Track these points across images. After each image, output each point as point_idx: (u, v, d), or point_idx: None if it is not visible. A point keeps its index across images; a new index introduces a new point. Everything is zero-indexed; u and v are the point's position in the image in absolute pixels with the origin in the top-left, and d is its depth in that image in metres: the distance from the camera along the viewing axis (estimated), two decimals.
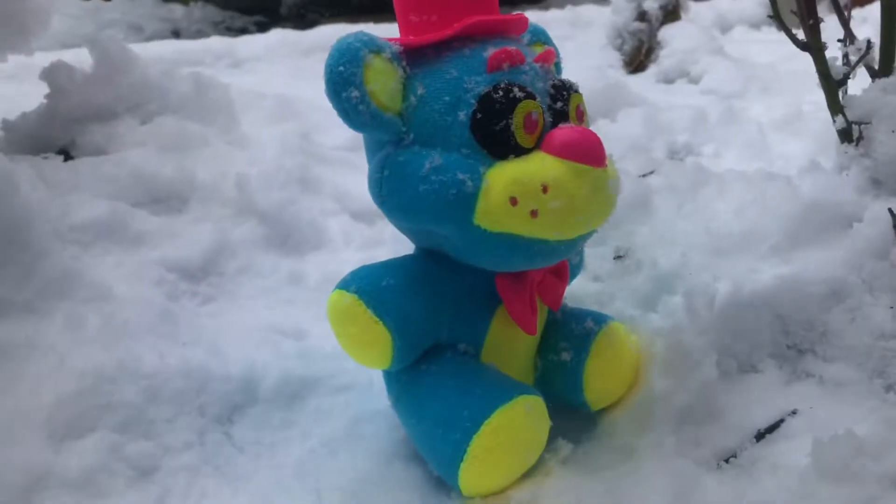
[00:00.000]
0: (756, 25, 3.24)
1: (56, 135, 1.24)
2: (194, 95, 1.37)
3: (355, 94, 0.61)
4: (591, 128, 0.68)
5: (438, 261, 0.69)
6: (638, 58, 2.63)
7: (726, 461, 0.70)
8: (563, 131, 0.63)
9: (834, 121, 0.96)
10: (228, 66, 2.66)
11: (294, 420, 0.79)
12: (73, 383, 0.73)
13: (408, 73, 0.64)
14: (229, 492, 0.71)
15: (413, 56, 0.65)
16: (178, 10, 5.09)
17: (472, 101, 0.62)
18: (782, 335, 0.83)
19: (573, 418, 0.76)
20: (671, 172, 1.10)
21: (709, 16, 3.16)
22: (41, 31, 1.26)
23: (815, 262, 0.85)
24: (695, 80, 2.32)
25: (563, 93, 0.66)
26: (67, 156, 1.21)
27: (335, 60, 0.61)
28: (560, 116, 0.65)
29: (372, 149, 0.68)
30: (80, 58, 1.34)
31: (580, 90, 0.68)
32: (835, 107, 0.95)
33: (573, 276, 0.82)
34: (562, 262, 0.73)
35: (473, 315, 0.71)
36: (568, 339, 0.75)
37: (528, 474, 0.69)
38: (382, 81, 0.62)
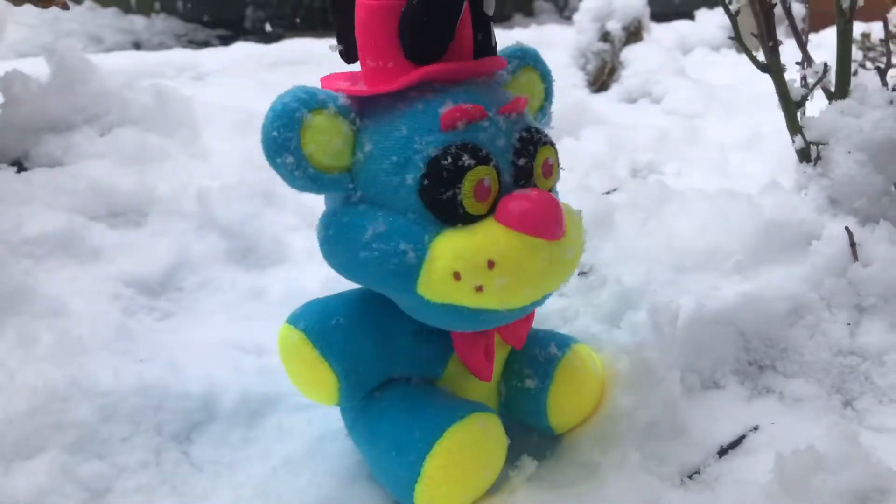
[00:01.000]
0: (716, 48, 3.31)
1: (9, 145, 1.21)
2: (155, 107, 1.35)
3: (290, 159, 0.58)
4: (558, 165, 0.65)
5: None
6: (601, 77, 2.67)
7: (690, 477, 0.70)
8: (518, 201, 0.58)
9: (793, 141, 0.98)
10: (191, 79, 2.63)
11: (254, 438, 0.77)
12: (24, 401, 0.71)
13: (357, 125, 0.61)
14: None
15: (365, 105, 0.61)
16: (140, 21, 5.02)
17: (421, 164, 0.57)
18: (744, 351, 0.85)
19: (537, 436, 0.76)
20: (634, 190, 1.11)
21: (670, 37, 3.22)
22: None
23: (775, 279, 0.86)
24: (657, 100, 2.36)
25: (530, 147, 0.61)
26: (21, 167, 1.18)
27: (270, 123, 0.58)
28: (523, 174, 0.61)
29: (325, 198, 0.66)
30: (37, 67, 1.31)
31: (551, 142, 0.64)
32: (794, 127, 0.97)
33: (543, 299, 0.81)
34: None
35: (429, 355, 0.69)
36: (532, 366, 0.74)
37: (492, 492, 0.68)
38: (324, 141, 0.59)
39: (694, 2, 3.75)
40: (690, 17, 3.68)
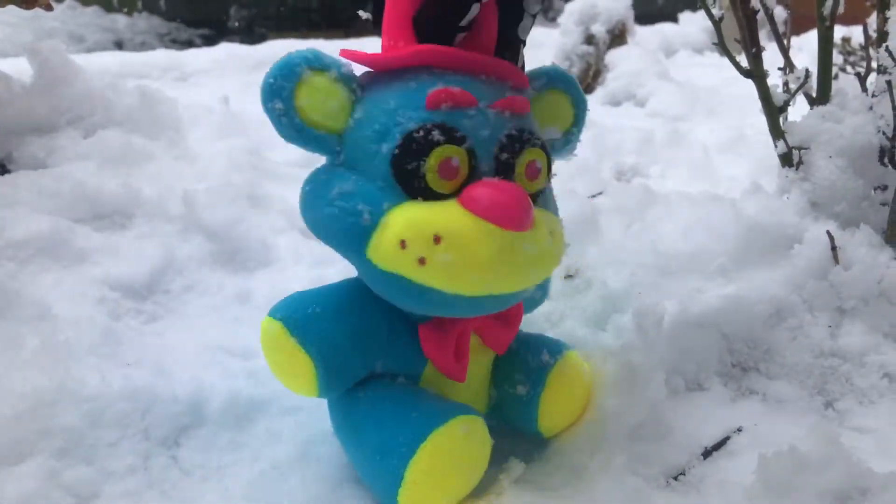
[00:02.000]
0: (699, 50, 3.35)
1: None
2: (140, 108, 1.34)
3: (279, 105, 0.61)
4: (548, 171, 0.66)
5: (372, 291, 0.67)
6: (586, 80, 2.69)
7: (675, 478, 0.71)
8: (482, 186, 0.59)
9: (775, 145, 0.99)
10: (175, 80, 2.62)
11: (243, 442, 0.77)
12: (9, 407, 0.70)
13: (358, 96, 0.64)
14: None
15: (372, 80, 0.65)
16: (122, 20, 4.99)
17: (398, 136, 0.60)
18: (728, 353, 0.86)
19: (525, 438, 0.76)
20: (619, 193, 1.12)
21: (654, 40, 3.25)
22: None
23: (758, 282, 0.88)
24: (641, 103, 2.38)
25: (516, 145, 0.63)
26: (4, 169, 1.17)
27: (271, 71, 0.62)
28: (504, 169, 0.62)
29: None
30: (19, 67, 1.29)
31: (543, 146, 0.65)
32: (776, 132, 0.99)
33: (533, 306, 0.82)
34: (510, 308, 0.70)
35: (407, 351, 0.69)
36: (524, 372, 0.74)
37: (479, 494, 0.68)
38: (319, 100, 0.62)
39: (677, 4, 3.78)
40: (674, 19, 3.71)
